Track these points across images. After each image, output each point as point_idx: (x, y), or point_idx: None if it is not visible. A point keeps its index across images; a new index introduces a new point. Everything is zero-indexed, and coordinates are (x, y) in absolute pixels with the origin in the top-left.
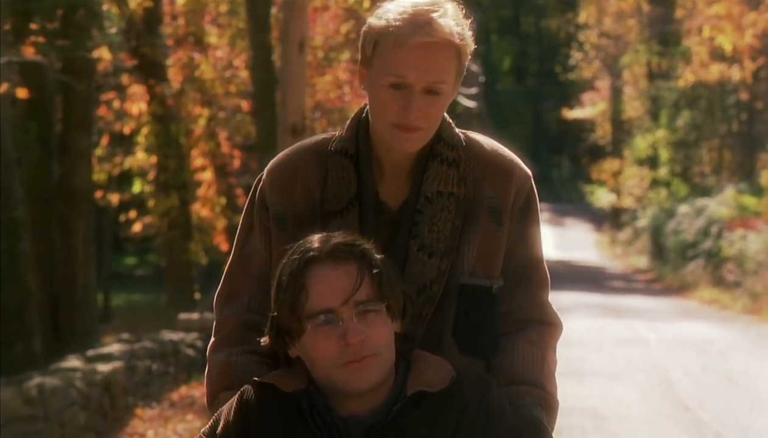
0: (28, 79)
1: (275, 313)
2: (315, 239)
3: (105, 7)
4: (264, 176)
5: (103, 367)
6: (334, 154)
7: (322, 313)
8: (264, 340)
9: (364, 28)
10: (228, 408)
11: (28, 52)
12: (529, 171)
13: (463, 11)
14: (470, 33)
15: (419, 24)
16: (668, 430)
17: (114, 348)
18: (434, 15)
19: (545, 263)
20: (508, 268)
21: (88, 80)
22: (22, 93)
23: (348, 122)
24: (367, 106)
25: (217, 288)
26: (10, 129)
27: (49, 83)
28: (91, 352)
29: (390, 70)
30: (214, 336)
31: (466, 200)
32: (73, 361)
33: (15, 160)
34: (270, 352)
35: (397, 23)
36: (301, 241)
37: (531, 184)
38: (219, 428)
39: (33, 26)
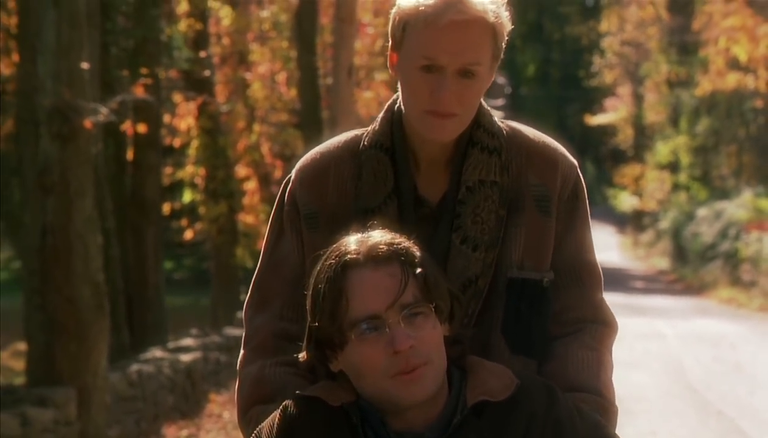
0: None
1: (314, 325)
2: (351, 241)
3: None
4: (293, 176)
5: (185, 357)
6: (368, 149)
7: (365, 320)
8: (302, 356)
9: (393, 10)
10: (269, 425)
11: (139, 92)
12: (575, 160)
13: None
14: (507, 13)
15: (450, 2)
16: (676, 408)
17: (189, 341)
18: None
19: (597, 260)
20: (557, 262)
21: (157, 101)
22: (141, 128)
23: (381, 115)
24: (400, 97)
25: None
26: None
27: (123, 105)
28: (171, 344)
29: (420, 52)
30: (244, 348)
31: (509, 189)
32: (156, 352)
33: (104, 176)
34: (306, 364)
35: (427, 2)
36: (335, 245)
37: (578, 173)
38: None
39: (144, 70)
